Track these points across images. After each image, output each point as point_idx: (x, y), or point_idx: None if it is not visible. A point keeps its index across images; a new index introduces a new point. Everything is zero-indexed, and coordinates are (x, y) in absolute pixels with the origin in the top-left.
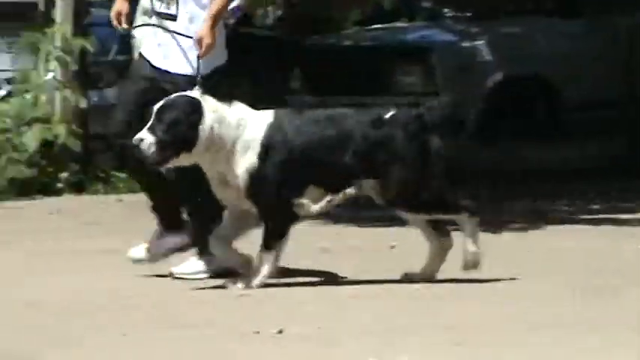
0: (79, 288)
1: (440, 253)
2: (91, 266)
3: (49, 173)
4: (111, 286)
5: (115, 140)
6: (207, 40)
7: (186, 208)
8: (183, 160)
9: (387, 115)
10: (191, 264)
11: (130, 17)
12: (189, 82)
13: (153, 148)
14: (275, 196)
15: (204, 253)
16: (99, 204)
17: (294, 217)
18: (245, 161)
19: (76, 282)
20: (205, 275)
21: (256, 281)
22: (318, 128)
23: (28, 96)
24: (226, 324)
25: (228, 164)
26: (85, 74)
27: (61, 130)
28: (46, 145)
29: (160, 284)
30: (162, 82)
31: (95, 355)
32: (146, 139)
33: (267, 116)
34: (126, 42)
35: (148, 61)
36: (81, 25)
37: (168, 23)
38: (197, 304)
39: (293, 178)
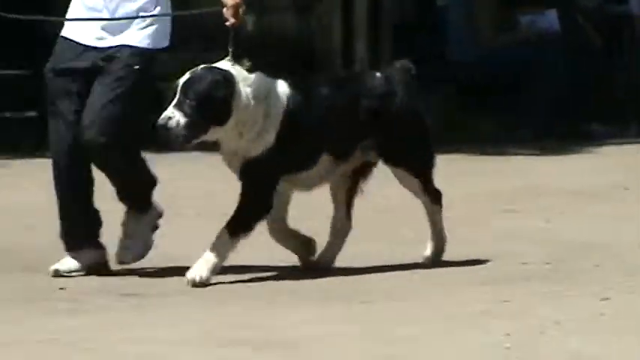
0: None
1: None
2: None
3: None
4: None
5: None
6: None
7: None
8: (210, 136)
9: (386, 74)
10: (65, 261)
11: None
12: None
13: (182, 126)
14: (269, 181)
15: (74, 248)
16: None
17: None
18: (269, 136)
19: None
20: (80, 272)
21: (208, 271)
22: (331, 93)
23: None
24: None
25: (250, 139)
26: None
27: None
28: None
29: None
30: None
31: None
32: (174, 116)
33: (283, 86)
34: None
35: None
36: None
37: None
38: None
39: (310, 150)
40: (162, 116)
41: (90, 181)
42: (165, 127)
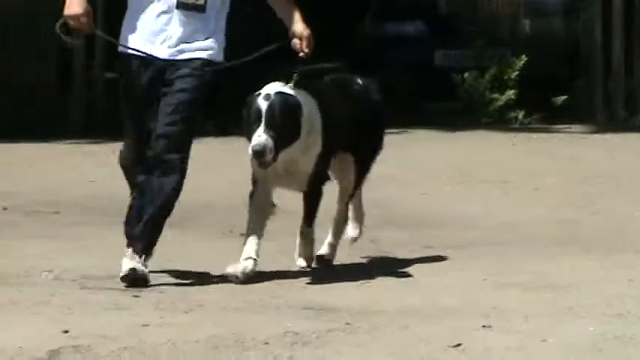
0: None
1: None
2: None
3: None
4: None
5: None
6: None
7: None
8: (284, 154)
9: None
10: None
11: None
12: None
13: (272, 148)
14: (325, 178)
15: None
16: None
17: None
18: (316, 146)
19: None
20: None
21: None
22: (337, 99)
23: None
24: None
25: (309, 151)
26: None
27: None
28: None
29: None
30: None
31: None
32: (268, 142)
33: (307, 97)
34: None
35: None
36: None
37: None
38: None
39: (335, 150)
40: (257, 142)
41: None
42: (262, 152)
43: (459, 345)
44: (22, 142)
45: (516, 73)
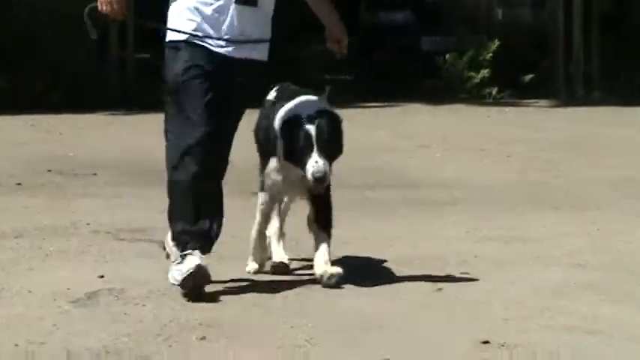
0: None
1: None
2: None
3: None
4: None
5: None
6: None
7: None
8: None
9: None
10: None
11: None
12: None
13: (329, 173)
14: None
15: None
16: None
17: None
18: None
19: None
20: None
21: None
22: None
23: None
24: None
25: None
26: None
27: None
28: None
29: None
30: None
31: None
32: (325, 167)
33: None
34: None
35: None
36: None
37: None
38: None
39: None
40: (318, 170)
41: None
42: (323, 178)
43: (440, 290)
44: (65, 113)
45: (490, 55)
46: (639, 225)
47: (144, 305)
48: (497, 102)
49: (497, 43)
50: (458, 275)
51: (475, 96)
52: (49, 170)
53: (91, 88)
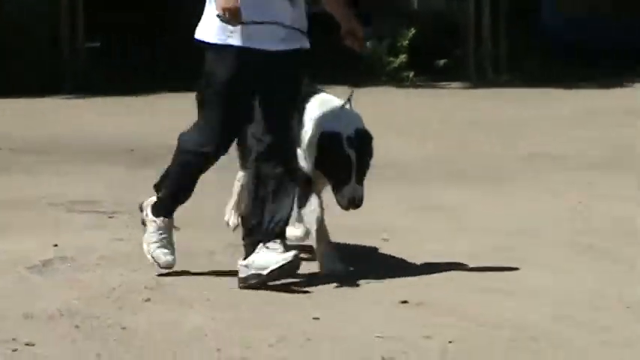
0: None
1: None
2: None
3: None
4: None
5: None
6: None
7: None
8: None
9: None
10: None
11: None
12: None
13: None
14: None
15: None
16: None
17: None
18: None
19: None
20: None
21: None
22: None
23: None
24: None
25: None
26: None
27: None
28: None
29: None
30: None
31: None
32: (363, 193)
33: None
34: None
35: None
36: None
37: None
38: None
39: None
40: (355, 196)
41: None
42: (361, 204)
43: (364, 256)
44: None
45: (407, 41)
46: (548, 193)
47: (94, 271)
48: (414, 84)
49: (413, 30)
50: (378, 242)
51: (394, 79)
52: (0, 149)
53: (46, 75)
